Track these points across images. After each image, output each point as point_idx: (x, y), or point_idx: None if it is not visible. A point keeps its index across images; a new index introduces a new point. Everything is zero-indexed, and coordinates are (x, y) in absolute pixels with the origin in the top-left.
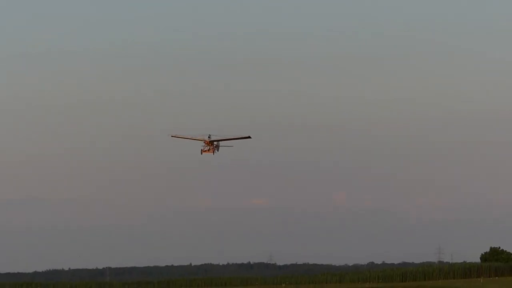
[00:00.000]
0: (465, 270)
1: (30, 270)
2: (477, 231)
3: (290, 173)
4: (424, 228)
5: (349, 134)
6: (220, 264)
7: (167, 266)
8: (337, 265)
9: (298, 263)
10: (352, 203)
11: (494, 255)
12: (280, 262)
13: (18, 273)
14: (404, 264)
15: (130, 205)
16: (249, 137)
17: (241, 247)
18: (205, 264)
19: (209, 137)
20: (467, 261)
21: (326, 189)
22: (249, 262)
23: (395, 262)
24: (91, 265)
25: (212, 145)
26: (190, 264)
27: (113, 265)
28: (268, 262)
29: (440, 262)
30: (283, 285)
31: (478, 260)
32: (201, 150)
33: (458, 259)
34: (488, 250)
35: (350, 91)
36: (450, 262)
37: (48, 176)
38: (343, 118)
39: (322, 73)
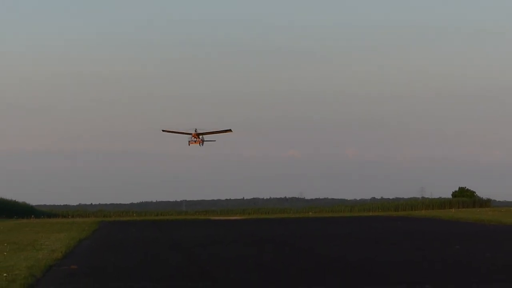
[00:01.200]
0: (441, 203)
1: (128, 201)
2: (450, 175)
3: (315, 133)
4: (411, 173)
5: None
6: (264, 198)
7: (226, 199)
8: (349, 199)
9: (320, 197)
10: (360, 156)
11: (461, 192)
12: (307, 197)
13: (119, 204)
14: (396, 199)
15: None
16: (230, 130)
17: (279, 186)
18: (253, 198)
19: (195, 130)
20: (442, 197)
21: (341, 146)
22: (285, 197)
23: (390, 197)
24: (172, 198)
25: (199, 137)
26: (243, 198)
27: (188, 198)
28: (299, 197)
29: (422, 197)
30: (310, 213)
31: (450, 196)
32: (189, 142)
33: (435, 195)
34: (457, 189)
35: None
36: (430, 197)
37: None
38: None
39: None
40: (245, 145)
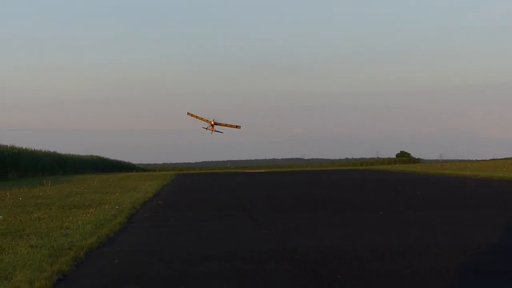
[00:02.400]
0: (389, 161)
1: (193, 161)
2: (394, 142)
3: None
4: (371, 141)
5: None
6: (278, 158)
7: (256, 159)
8: (332, 158)
9: (314, 157)
10: (342, 131)
11: (402, 154)
12: (306, 157)
13: (188, 162)
14: (362, 158)
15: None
16: (239, 126)
17: (289, 150)
18: (272, 158)
19: (213, 120)
20: (390, 157)
21: (329, 125)
22: (292, 157)
23: (357, 157)
24: (221, 159)
25: (213, 127)
26: (265, 158)
27: (231, 159)
28: (301, 157)
29: (378, 157)
30: (307, 167)
31: (395, 156)
32: (205, 128)
33: (385, 156)
34: (399, 152)
35: None
36: (382, 157)
37: None
38: None
39: None
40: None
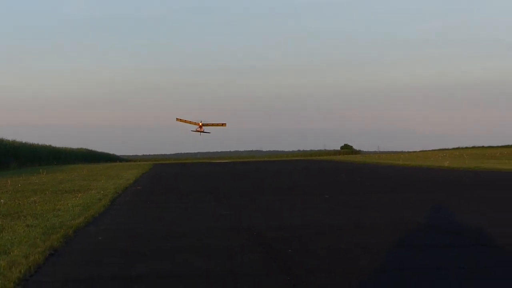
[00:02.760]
0: (334, 153)
1: (168, 152)
2: (339, 136)
3: (272, 113)
4: (319, 135)
5: None
6: (241, 150)
7: (222, 151)
8: (285, 150)
9: (271, 149)
10: (293, 126)
11: (345, 146)
12: (264, 149)
13: (164, 153)
14: (311, 150)
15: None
16: (224, 124)
17: (250, 144)
18: (236, 150)
19: (201, 121)
20: (335, 149)
21: (285, 122)
22: (252, 150)
23: (307, 149)
24: (190, 151)
25: (201, 128)
26: (229, 150)
27: (201, 151)
28: (259, 150)
29: (325, 149)
30: (265, 158)
31: (339, 148)
32: (192, 131)
33: (331, 148)
34: (343, 144)
35: None
36: (328, 149)
37: None
38: None
39: None
40: (230, 121)
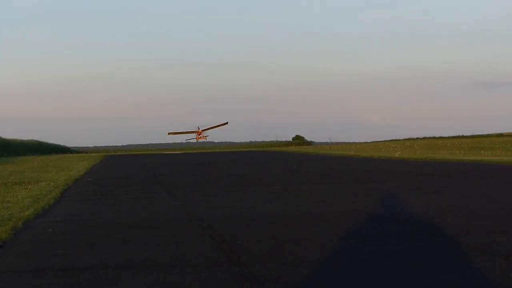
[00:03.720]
0: (286, 144)
1: (120, 144)
2: (291, 127)
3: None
4: (271, 127)
5: None
6: (193, 141)
7: (173, 143)
8: (237, 141)
9: (223, 141)
10: (247, 120)
11: (297, 137)
12: (216, 141)
13: (116, 145)
14: (263, 141)
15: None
16: (226, 123)
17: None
18: (187, 141)
19: (198, 128)
20: (287, 140)
21: (234, 110)
22: (204, 140)
23: (259, 140)
24: (141, 142)
25: (202, 134)
26: (181, 142)
27: (153, 142)
28: (211, 141)
29: (277, 140)
30: (217, 149)
31: (291, 139)
32: (196, 138)
33: (283, 139)
34: (295, 135)
35: None
36: (280, 140)
37: None
38: None
39: None
40: (181, 113)
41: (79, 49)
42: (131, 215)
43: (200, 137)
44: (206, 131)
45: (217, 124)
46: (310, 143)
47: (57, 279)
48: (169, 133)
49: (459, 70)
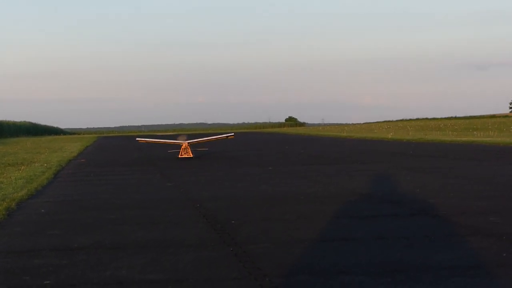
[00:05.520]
0: (279, 125)
1: (113, 125)
2: (283, 109)
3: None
4: (264, 109)
5: None
6: (186, 123)
7: (165, 124)
8: (231, 123)
9: (217, 122)
10: (239, 100)
11: (290, 119)
12: (209, 122)
13: (109, 127)
14: (256, 122)
15: None
16: (232, 135)
17: (195, 117)
18: (180, 123)
19: (186, 138)
20: (280, 121)
21: (227, 91)
22: (196, 122)
23: (252, 122)
24: (134, 123)
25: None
26: (174, 123)
27: (145, 124)
28: (205, 122)
29: (270, 122)
30: (210, 131)
31: (284, 121)
32: (180, 152)
33: (276, 120)
34: (288, 117)
35: None
36: (273, 121)
37: None
38: None
39: None
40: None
41: (72, 30)
42: (124, 195)
43: (183, 155)
44: (201, 142)
45: (219, 136)
46: (302, 125)
47: (51, 259)
48: (137, 139)
49: (452, 51)
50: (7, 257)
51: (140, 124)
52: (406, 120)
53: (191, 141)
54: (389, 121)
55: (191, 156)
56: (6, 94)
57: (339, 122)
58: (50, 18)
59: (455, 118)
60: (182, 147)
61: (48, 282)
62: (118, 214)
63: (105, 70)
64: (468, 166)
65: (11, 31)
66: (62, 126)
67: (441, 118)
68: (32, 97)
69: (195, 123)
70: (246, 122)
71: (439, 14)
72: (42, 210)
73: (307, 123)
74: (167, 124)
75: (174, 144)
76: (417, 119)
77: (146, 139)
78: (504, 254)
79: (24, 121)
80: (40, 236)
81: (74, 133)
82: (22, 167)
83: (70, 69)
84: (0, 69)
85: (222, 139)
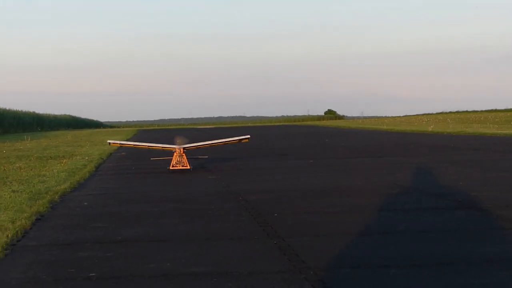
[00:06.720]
0: (318, 118)
1: (152, 119)
2: (323, 102)
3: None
4: (303, 101)
5: None
6: (225, 116)
7: (205, 117)
8: (269, 116)
9: (254, 115)
10: (279, 93)
11: (329, 112)
12: (248, 115)
13: (148, 120)
14: (295, 115)
15: None
16: (247, 138)
17: (233, 110)
18: (219, 116)
19: (179, 144)
20: (319, 114)
21: (267, 84)
22: (235, 115)
23: (291, 115)
24: (174, 116)
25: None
26: (213, 116)
27: (185, 117)
28: (243, 115)
29: (309, 115)
30: (249, 123)
31: (323, 114)
32: (171, 162)
33: (315, 113)
34: (327, 110)
35: None
36: (312, 114)
37: None
38: None
39: None
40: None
41: (114, 23)
42: (166, 188)
43: (175, 165)
44: (202, 147)
45: (234, 138)
46: (342, 117)
47: (96, 252)
48: (109, 142)
49: (492, 43)
50: (52, 250)
51: (179, 117)
52: (445, 112)
53: (189, 145)
54: (428, 114)
55: (188, 167)
56: (47, 87)
57: (378, 115)
58: (90, 11)
59: (496, 110)
60: (175, 154)
61: (93, 274)
62: (160, 207)
63: (144, 63)
64: (510, 159)
65: (50, 25)
66: (102, 119)
67: (481, 111)
68: (72, 91)
69: (234, 116)
70: (285, 115)
71: (480, 6)
72: (85, 203)
73: (346, 116)
74: (206, 117)
75: (163, 149)
76: (457, 112)
77: (120, 142)
78: None
79: (65, 114)
80: (84, 229)
81: (113, 126)
82: (64, 160)
83: (109, 62)
84: (40, 63)
85: (234, 142)
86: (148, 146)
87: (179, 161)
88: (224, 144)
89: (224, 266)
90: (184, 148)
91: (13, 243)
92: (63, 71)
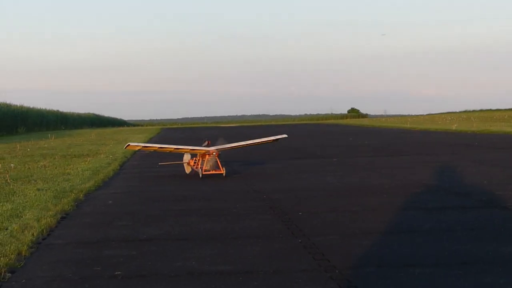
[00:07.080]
0: (341, 116)
1: (176, 117)
2: (346, 100)
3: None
4: (326, 100)
5: None
6: (248, 114)
7: (228, 115)
8: (292, 114)
9: (278, 114)
10: (302, 92)
11: (352, 110)
12: (271, 114)
13: (172, 118)
14: (318, 114)
15: None
16: (277, 139)
17: (257, 109)
18: (242, 115)
19: (207, 143)
20: (342, 113)
21: (289, 83)
22: (259, 114)
23: (314, 113)
24: (197, 115)
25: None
26: (236, 115)
27: (208, 116)
28: (266, 114)
29: (332, 113)
30: (272, 122)
31: (346, 112)
32: (190, 163)
33: (338, 112)
34: (350, 108)
35: None
36: (336, 113)
37: None
38: None
39: None
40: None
41: (137, 23)
42: (190, 187)
43: (208, 170)
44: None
45: (270, 138)
46: (365, 116)
47: (121, 250)
48: (128, 144)
49: None
50: (77, 248)
51: (203, 116)
52: (469, 111)
53: (222, 146)
54: (452, 112)
55: (222, 171)
56: (71, 86)
57: (401, 113)
58: (114, 12)
59: None
60: (207, 158)
61: (119, 273)
62: (185, 206)
63: (168, 62)
64: None
65: (75, 25)
66: (126, 117)
67: (506, 109)
68: (96, 89)
69: (257, 115)
70: (308, 113)
71: (503, 4)
72: (110, 201)
73: (369, 114)
74: (229, 116)
75: (191, 151)
76: (481, 110)
77: (141, 144)
78: None
79: (88, 113)
80: (109, 227)
81: (137, 125)
82: (88, 159)
83: (133, 62)
84: (64, 63)
85: (270, 142)
86: (175, 148)
87: (211, 165)
88: (259, 144)
89: (250, 264)
90: (218, 150)
91: (39, 242)
92: (88, 70)
